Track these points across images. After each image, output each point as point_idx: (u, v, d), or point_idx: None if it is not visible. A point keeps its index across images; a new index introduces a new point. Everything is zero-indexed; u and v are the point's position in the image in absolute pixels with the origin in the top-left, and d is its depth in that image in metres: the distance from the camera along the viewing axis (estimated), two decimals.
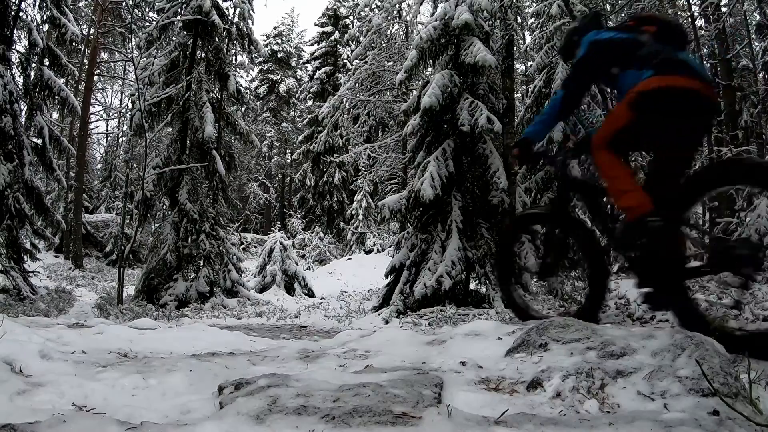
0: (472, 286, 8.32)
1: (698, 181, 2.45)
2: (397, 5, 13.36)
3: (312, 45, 31.94)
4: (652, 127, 2.47)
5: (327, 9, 30.36)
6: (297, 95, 32.78)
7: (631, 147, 2.85)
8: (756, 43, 13.75)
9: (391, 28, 14.44)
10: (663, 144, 2.52)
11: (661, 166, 2.60)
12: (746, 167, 2.37)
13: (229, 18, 11.36)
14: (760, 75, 14.29)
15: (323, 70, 29.06)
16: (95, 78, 20.09)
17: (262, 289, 13.38)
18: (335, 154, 25.44)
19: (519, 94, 17.07)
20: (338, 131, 22.69)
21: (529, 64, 14.40)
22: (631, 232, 2.53)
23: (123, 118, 27.51)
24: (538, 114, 11.44)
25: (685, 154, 2.62)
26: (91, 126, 25.06)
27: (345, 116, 18.53)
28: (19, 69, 9.84)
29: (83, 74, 17.50)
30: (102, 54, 21.32)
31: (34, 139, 10.26)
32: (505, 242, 3.48)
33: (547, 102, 3.35)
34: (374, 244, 20.95)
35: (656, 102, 2.40)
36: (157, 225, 12.14)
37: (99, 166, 31.15)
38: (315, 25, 30.90)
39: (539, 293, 9.39)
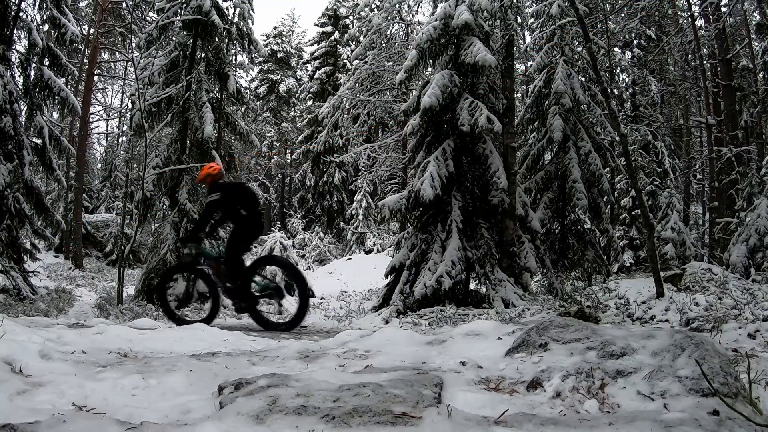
0: (472, 286, 8.32)
1: None
2: (397, 5, 13.33)
3: (312, 45, 31.91)
4: None
5: (327, 9, 30.32)
6: (297, 95, 32.72)
7: None
8: (756, 43, 13.75)
9: (391, 28, 14.42)
10: None
11: None
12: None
13: (229, 18, 11.34)
14: (760, 75, 14.29)
15: (323, 70, 29.03)
16: (95, 78, 20.06)
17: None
18: (335, 154, 25.41)
19: (519, 94, 17.07)
20: (338, 131, 22.63)
21: (529, 64, 14.39)
22: None
23: (123, 118, 27.51)
24: (538, 114, 11.53)
25: None
26: (91, 126, 25.06)
27: (345, 116, 18.51)
28: (19, 69, 9.82)
29: (83, 74, 17.48)
30: (102, 54, 21.30)
31: (34, 139, 10.24)
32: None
33: None
34: (374, 244, 20.94)
35: None
36: (157, 225, 12.12)
37: (99, 166, 31.11)
38: (315, 25, 30.87)
39: (539, 293, 9.40)
